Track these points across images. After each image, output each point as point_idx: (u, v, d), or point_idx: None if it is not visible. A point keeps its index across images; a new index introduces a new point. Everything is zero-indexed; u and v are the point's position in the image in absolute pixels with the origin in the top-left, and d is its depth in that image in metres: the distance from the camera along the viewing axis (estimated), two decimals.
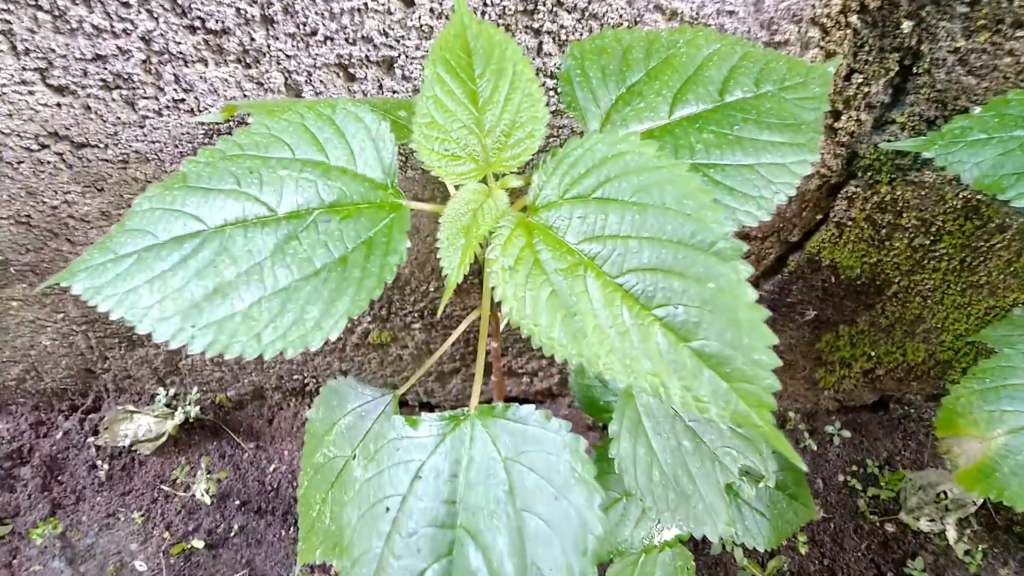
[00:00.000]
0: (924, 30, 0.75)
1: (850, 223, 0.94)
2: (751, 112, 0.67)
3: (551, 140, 0.84)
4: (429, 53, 0.58)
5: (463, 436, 0.55)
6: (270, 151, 0.59)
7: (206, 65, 0.76)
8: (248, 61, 0.76)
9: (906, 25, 0.74)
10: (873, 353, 1.14)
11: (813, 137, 0.67)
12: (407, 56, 0.76)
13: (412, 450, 0.55)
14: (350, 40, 0.74)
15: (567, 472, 0.51)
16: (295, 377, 1.15)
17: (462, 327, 0.77)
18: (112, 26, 0.73)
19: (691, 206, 0.52)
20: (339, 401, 0.79)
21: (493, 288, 0.53)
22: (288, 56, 0.76)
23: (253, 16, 0.73)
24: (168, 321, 0.54)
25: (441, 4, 0.72)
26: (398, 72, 0.77)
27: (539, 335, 0.51)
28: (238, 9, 0.72)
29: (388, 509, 0.54)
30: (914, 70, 0.79)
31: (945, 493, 1.21)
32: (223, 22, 0.73)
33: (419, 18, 0.73)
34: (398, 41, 0.75)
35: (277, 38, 0.74)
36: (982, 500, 1.23)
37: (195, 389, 1.14)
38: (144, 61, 0.76)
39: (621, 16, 0.73)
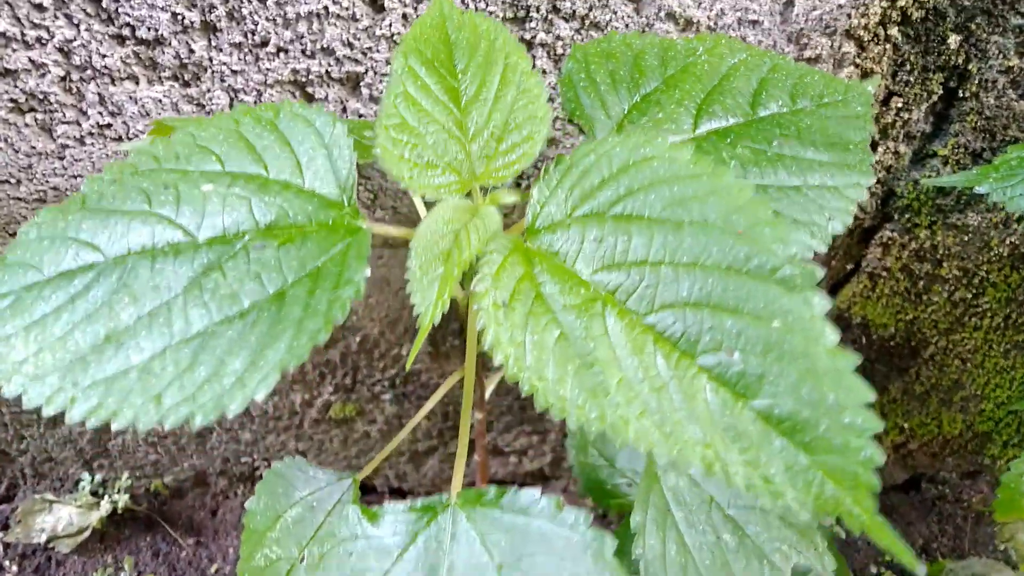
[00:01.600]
0: (973, 46, 0.65)
1: (884, 274, 0.83)
2: (789, 128, 0.56)
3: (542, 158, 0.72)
4: (399, 45, 0.46)
5: (441, 534, 0.40)
6: (193, 163, 0.46)
7: (136, 83, 0.64)
8: (186, 78, 0.64)
9: (953, 40, 0.64)
10: (906, 425, 1.01)
11: (864, 159, 0.56)
12: (375, 72, 0.64)
13: (370, 556, 0.40)
14: (308, 52, 0.63)
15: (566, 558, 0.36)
16: (243, 460, 0.99)
17: (439, 394, 0.63)
18: (23, 34, 0.61)
19: (742, 222, 0.40)
20: (285, 488, 0.64)
21: (481, 333, 0.39)
22: (234, 71, 0.64)
23: (192, 23, 0.61)
24: (43, 381, 0.40)
25: (416, 9, 0.61)
26: (365, 92, 0.66)
27: (545, 393, 0.38)
28: (174, 15, 0.60)
29: None
30: (960, 93, 0.69)
31: None
32: (156, 30, 0.61)
33: (389, 26, 0.62)
34: (365, 54, 0.63)
35: (221, 49, 0.63)
36: None
37: (126, 474, 0.98)
38: (63, 78, 0.63)
39: (627, 25, 0.63)
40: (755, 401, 0.37)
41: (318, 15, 0.61)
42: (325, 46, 0.63)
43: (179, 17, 0.61)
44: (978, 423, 1.01)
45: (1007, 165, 0.67)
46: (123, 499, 0.96)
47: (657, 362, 0.38)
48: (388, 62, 0.64)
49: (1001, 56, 0.66)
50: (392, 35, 0.62)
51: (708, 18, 0.63)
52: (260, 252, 0.42)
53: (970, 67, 0.67)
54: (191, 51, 0.62)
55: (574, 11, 0.62)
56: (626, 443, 0.37)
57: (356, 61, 0.64)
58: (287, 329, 0.39)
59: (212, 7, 0.60)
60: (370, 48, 0.63)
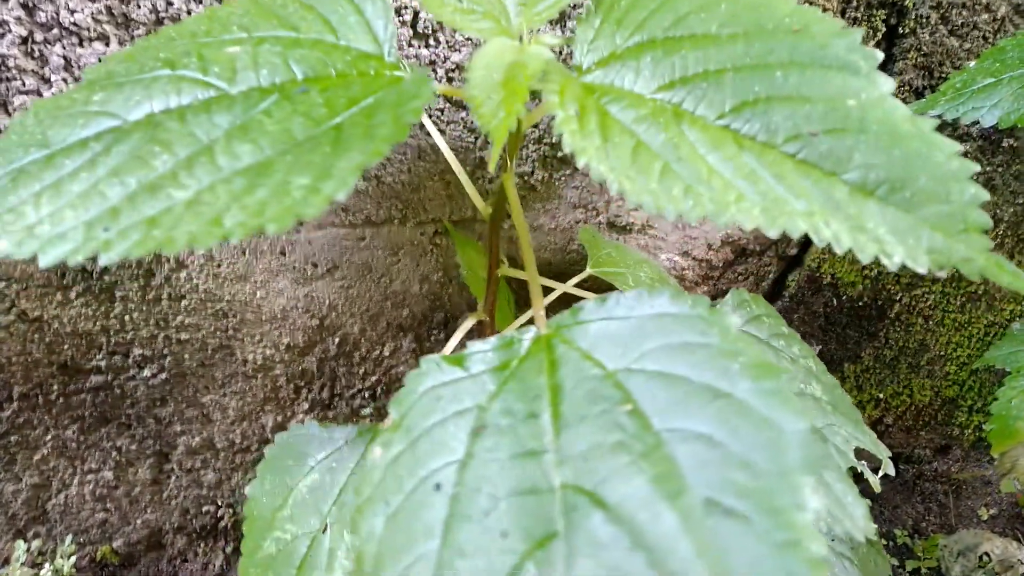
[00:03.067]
0: None
1: None
2: None
3: None
4: None
5: (537, 363, 0.36)
6: (215, 35, 0.43)
7: (107, 44, 0.61)
8: None
9: None
10: (881, 396, 1.02)
11: None
12: None
13: (463, 396, 0.36)
14: None
15: (721, 359, 0.33)
16: (205, 509, 0.88)
17: (460, 332, 0.59)
18: None
19: (798, 22, 0.41)
20: (297, 458, 0.57)
21: (560, 138, 0.37)
22: None
23: None
24: (64, 237, 0.35)
25: None
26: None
27: (636, 190, 0.36)
28: None
29: (439, 486, 0.33)
30: (900, 30, 0.75)
31: (987, 555, 1.06)
32: None
33: None
34: None
35: (201, 1, 0.61)
36: None
37: (69, 539, 0.85)
38: (24, 40, 0.59)
39: None
40: (846, 175, 0.36)
41: None
42: None
43: None
44: (944, 388, 1.04)
45: (953, 88, 0.73)
46: (66, 566, 0.83)
47: (744, 157, 0.37)
48: None
49: None
50: None
51: None
52: (305, 96, 0.39)
53: (906, 3, 0.73)
54: (168, 3, 0.60)
55: None
56: (729, 224, 0.35)
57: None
58: (355, 141, 0.35)
59: None
60: None
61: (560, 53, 0.61)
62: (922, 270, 0.35)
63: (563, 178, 0.75)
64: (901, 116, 0.38)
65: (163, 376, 0.77)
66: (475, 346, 0.38)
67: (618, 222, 0.79)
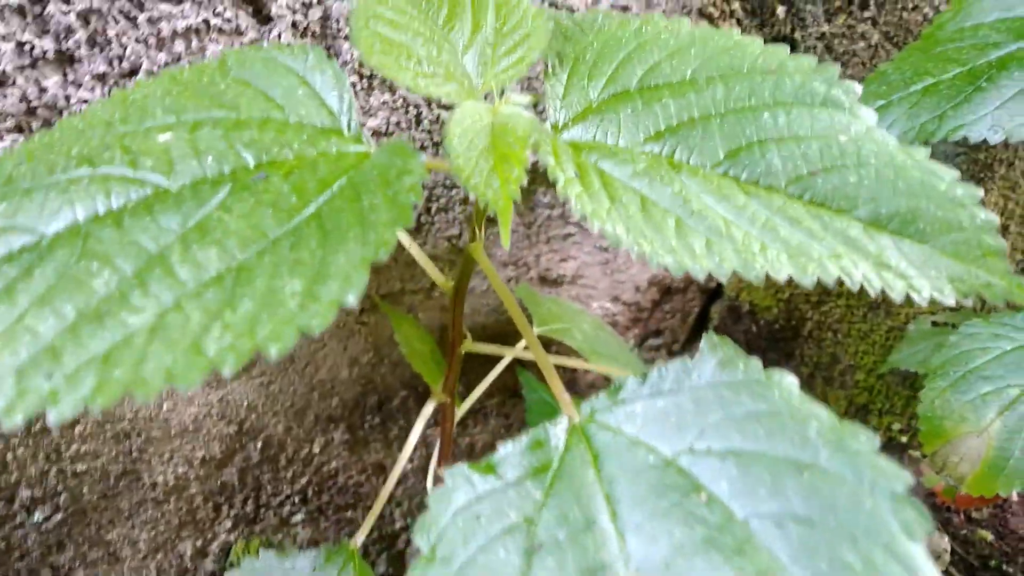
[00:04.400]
0: (795, 15, 0.75)
1: None
2: None
3: None
4: None
5: (579, 458, 0.32)
6: (133, 123, 0.36)
7: None
8: (36, 126, 0.53)
9: (780, 10, 0.74)
10: None
11: None
12: None
13: (506, 510, 0.31)
14: None
15: (794, 426, 0.30)
16: None
17: (419, 425, 0.54)
18: None
19: (772, 62, 0.40)
20: None
21: (567, 201, 0.34)
22: None
23: (44, 53, 0.51)
24: None
25: (306, 15, 0.57)
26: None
27: (656, 251, 0.33)
28: (19, 45, 0.51)
29: None
30: None
31: None
32: None
33: (278, 37, 0.57)
34: None
35: (80, 84, 0.53)
36: (950, 548, 1.13)
37: None
38: None
39: None
40: (857, 211, 0.35)
41: (197, 31, 0.54)
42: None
43: (26, 48, 0.51)
44: (856, 396, 1.08)
45: None
46: None
47: (750, 202, 0.36)
48: None
49: (816, 23, 0.76)
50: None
51: (585, 5, 0.66)
52: (266, 184, 0.34)
53: (795, 35, 0.76)
54: (42, 90, 0.52)
55: None
56: (760, 277, 0.33)
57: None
58: (349, 231, 0.30)
59: (70, 31, 0.51)
60: None
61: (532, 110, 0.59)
62: (950, 301, 0.34)
63: (491, 236, 0.72)
64: (894, 148, 0.37)
65: (58, 517, 0.66)
66: (503, 449, 0.33)
67: (549, 275, 0.77)
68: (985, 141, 0.68)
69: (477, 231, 0.45)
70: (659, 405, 0.33)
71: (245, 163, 0.35)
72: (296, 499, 0.76)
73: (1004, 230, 1.04)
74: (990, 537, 1.15)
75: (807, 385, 1.03)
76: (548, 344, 0.76)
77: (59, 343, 0.29)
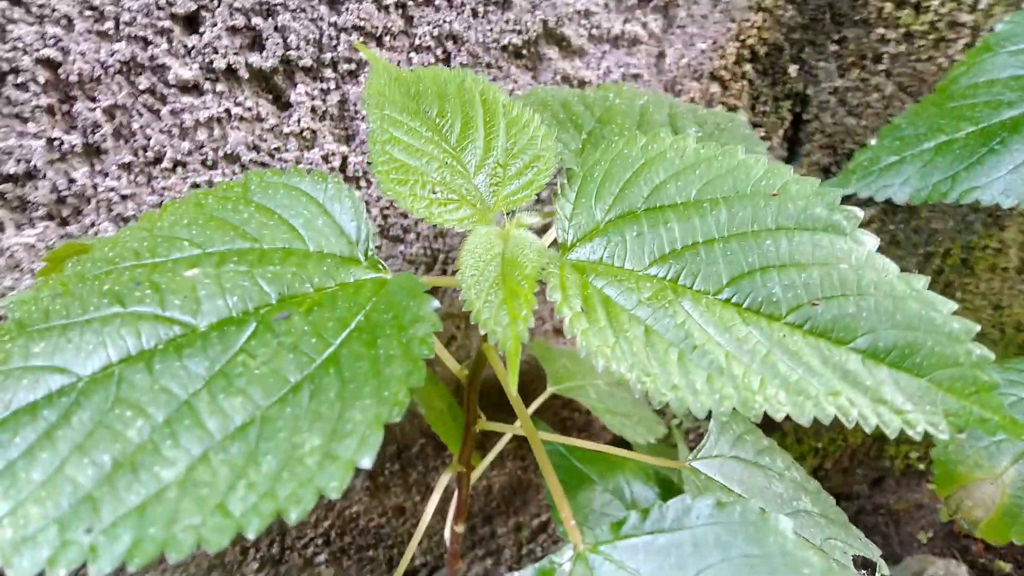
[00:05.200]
0: (807, 72, 0.75)
1: None
2: None
3: None
4: (367, 100, 0.44)
5: None
6: (161, 254, 0.39)
7: (2, 230, 0.54)
8: (65, 215, 0.55)
9: (792, 69, 0.74)
10: (819, 445, 1.06)
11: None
12: None
13: None
14: (209, 162, 0.57)
15: (787, 572, 0.32)
16: None
17: (441, 485, 0.56)
18: None
19: (772, 184, 0.41)
20: None
21: (572, 338, 0.36)
22: (123, 197, 0.56)
23: (72, 147, 0.54)
24: (34, 541, 0.30)
25: (324, 101, 0.59)
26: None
27: (658, 387, 0.35)
28: (50, 141, 0.53)
29: None
30: (804, 116, 0.78)
31: None
32: (27, 161, 0.53)
33: (298, 122, 0.59)
34: (272, 155, 0.59)
35: (107, 174, 0.55)
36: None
37: None
38: None
39: (526, 91, 0.65)
40: (856, 342, 0.37)
41: (219, 120, 0.56)
42: (229, 152, 0.58)
43: (56, 144, 0.53)
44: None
45: (861, 167, 0.76)
46: None
47: (751, 333, 0.37)
48: (299, 161, 0.60)
49: (828, 79, 0.76)
50: (301, 131, 0.59)
51: (597, 77, 0.67)
52: (286, 322, 0.36)
53: (808, 92, 0.77)
54: (71, 181, 0.54)
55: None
56: (759, 415, 0.35)
57: (263, 165, 0.59)
58: (365, 383, 0.32)
59: (96, 126, 0.53)
60: (278, 148, 0.59)
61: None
62: (943, 436, 0.36)
63: None
64: (894, 276, 0.38)
65: None
66: None
67: (563, 327, 0.78)
68: (998, 205, 0.68)
69: None
70: (660, 542, 0.34)
71: (268, 299, 0.37)
72: (319, 541, 0.79)
73: (1023, 265, 1.04)
74: (1008, 568, 1.16)
75: None
76: (564, 400, 0.77)
77: (97, 494, 0.31)
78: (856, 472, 1.13)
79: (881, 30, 0.76)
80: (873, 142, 0.78)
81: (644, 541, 0.34)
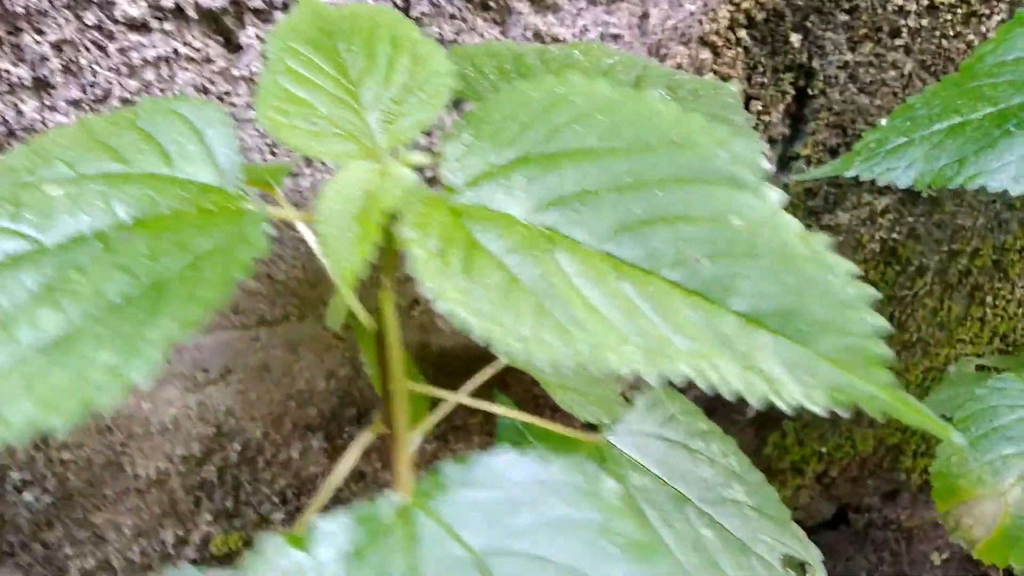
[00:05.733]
0: (812, 43, 0.70)
1: None
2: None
3: None
4: (272, 32, 0.42)
5: (394, 543, 0.32)
6: (36, 175, 0.38)
7: None
8: (15, 146, 0.56)
9: (794, 38, 0.69)
10: (824, 450, 1.00)
11: (751, 131, 0.57)
12: (235, 118, 0.59)
13: None
14: None
15: (599, 538, 0.29)
16: None
17: (356, 449, 0.55)
18: None
19: (680, 134, 0.37)
20: None
21: (415, 279, 0.33)
22: None
23: (21, 80, 0.54)
24: None
25: None
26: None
27: (505, 337, 0.32)
28: None
29: None
30: (809, 91, 0.73)
31: None
32: None
33: (247, 66, 0.58)
34: (222, 99, 0.58)
35: (56, 108, 0.55)
36: None
37: None
38: None
39: None
40: (735, 303, 0.33)
41: (167, 60, 0.56)
42: (177, 93, 0.57)
43: (4, 74, 0.53)
44: (887, 436, 1.02)
45: (867, 148, 0.71)
46: None
47: (624, 288, 0.34)
48: (249, 106, 0.59)
49: (837, 52, 0.71)
50: (251, 75, 0.58)
51: (573, 35, 0.64)
52: (127, 244, 0.35)
53: (813, 64, 0.71)
54: (19, 113, 0.55)
55: (442, 36, 0.61)
56: (607, 370, 0.32)
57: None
58: (173, 303, 0.31)
59: (44, 59, 0.54)
60: (228, 92, 0.58)
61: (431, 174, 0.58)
62: (819, 410, 0.32)
63: None
64: (793, 235, 0.34)
65: (47, 499, 0.70)
66: (325, 524, 0.33)
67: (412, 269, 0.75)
68: (1006, 192, 0.62)
69: (386, 280, 0.44)
70: (482, 497, 0.32)
71: (122, 221, 0.36)
72: (275, 499, 0.79)
73: None
74: None
75: (830, 422, 0.98)
76: (518, 373, 0.75)
77: None
78: (867, 483, 1.06)
79: (900, 1, 0.71)
80: (884, 122, 0.72)
81: (465, 495, 0.32)
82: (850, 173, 0.70)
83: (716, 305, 0.33)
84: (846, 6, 0.69)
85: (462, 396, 0.60)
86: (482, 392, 0.63)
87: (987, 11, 0.74)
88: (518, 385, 0.81)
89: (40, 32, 0.53)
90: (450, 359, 0.78)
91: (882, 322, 0.32)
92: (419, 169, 0.40)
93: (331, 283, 0.67)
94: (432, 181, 0.50)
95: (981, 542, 0.77)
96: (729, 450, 0.54)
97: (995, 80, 0.68)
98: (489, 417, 0.81)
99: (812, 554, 0.52)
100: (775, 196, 0.35)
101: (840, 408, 0.31)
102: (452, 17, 0.61)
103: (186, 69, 0.57)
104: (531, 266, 0.34)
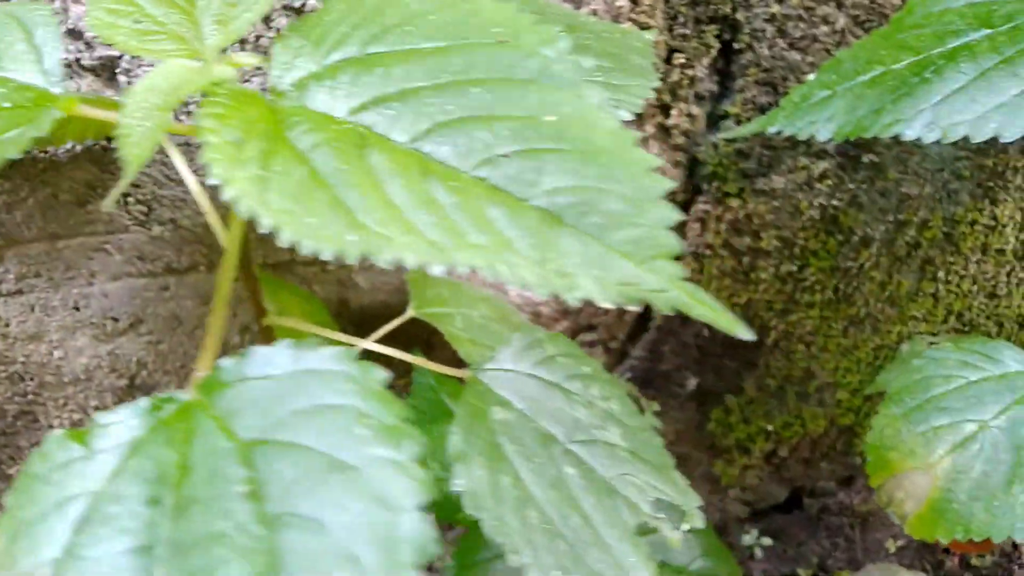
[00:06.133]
0: None
1: (708, 252, 0.82)
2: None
3: None
4: None
5: (170, 435, 0.31)
6: None
7: None
8: None
9: None
10: (771, 428, 0.97)
11: (649, 70, 0.55)
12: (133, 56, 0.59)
13: (74, 480, 0.30)
14: None
15: (355, 424, 0.27)
16: None
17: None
18: None
19: (504, 32, 0.36)
20: None
21: (206, 168, 0.32)
22: None
23: None
24: None
25: None
26: (123, 81, 0.59)
27: (292, 225, 0.31)
28: None
29: None
30: (735, 45, 0.71)
31: None
32: None
33: None
34: None
35: None
36: None
37: None
38: None
39: None
40: (535, 199, 0.32)
41: None
42: (72, 28, 0.57)
43: None
44: (839, 416, 1.00)
45: (792, 103, 0.69)
46: None
47: (429, 186, 0.33)
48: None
49: (763, 3, 0.69)
50: None
51: None
52: None
53: (738, 16, 0.70)
54: None
55: None
56: (392, 261, 0.30)
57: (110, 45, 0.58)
58: None
59: None
60: None
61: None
62: (608, 304, 0.30)
63: None
64: (603, 131, 0.33)
65: None
66: (106, 418, 0.32)
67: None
68: (939, 142, 0.60)
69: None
70: (255, 390, 0.31)
71: None
72: None
73: None
74: None
75: (776, 399, 0.95)
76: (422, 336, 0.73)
77: None
78: (821, 466, 1.03)
79: None
80: (811, 77, 0.70)
81: (240, 388, 0.31)
82: (773, 129, 0.69)
83: (518, 201, 0.32)
84: None
85: (367, 343, 0.59)
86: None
87: None
88: (445, 349, 0.80)
89: None
90: (369, 317, 0.77)
91: (671, 212, 0.30)
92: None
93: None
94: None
95: (912, 516, 0.75)
96: (612, 394, 0.52)
97: (921, 32, 0.66)
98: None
99: (691, 502, 0.50)
100: (594, 94, 0.34)
101: (630, 303, 0.30)
102: None
103: (79, 3, 0.56)
104: (336, 162, 0.33)
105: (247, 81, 0.56)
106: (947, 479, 0.72)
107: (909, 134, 0.60)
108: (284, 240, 0.31)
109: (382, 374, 0.29)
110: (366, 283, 0.75)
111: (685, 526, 0.49)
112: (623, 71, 0.53)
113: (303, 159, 0.34)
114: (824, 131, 0.65)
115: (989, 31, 0.62)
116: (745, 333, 0.29)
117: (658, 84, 0.54)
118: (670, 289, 0.29)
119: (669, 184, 0.31)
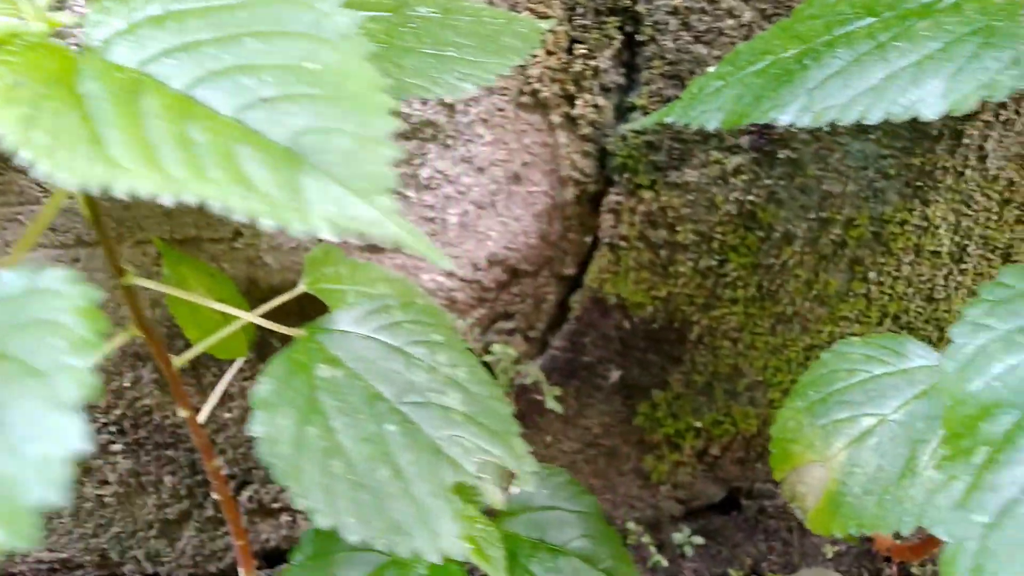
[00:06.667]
0: None
1: (624, 244, 0.82)
2: (437, 23, 0.56)
3: None
4: None
5: None
6: None
7: None
8: None
9: None
10: (700, 425, 0.97)
11: (514, 54, 0.56)
12: None
13: None
14: None
15: (56, 339, 0.29)
16: None
17: None
18: None
19: None
20: None
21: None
22: None
23: None
24: None
25: None
26: None
27: (42, 156, 0.33)
28: None
29: None
30: (637, 37, 0.72)
31: None
32: None
33: None
34: None
35: None
36: None
37: None
38: None
39: None
40: (281, 138, 0.33)
41: None
42: None
43: None
44: (770, 416, 0.99)
45: (690, 94, 0.69)
46: None
47: (187, 127, 0.34)
48: None
49: None
50: None
51: None
52: None
53: (639, 8, 0.71)
54: None
55: None
56: (127, 191, 0.32)
57: None
58: None
59: None
60: None
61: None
62: (331, 237, 0.31)
63: None
64: (356, 78, 0.35)
65: None
66: None
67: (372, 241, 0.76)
68: (829, 127, 0.60)
69: None
70: None
71: None
72: (113, 428, 0.80)
73: (962, 252, 0.91)
74: None
75: (704, 395, 0.95)
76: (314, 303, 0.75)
77: None
78: (756, 466, 1.02)
79: None
80: (711, 69, 0.71)
81: None
82: (670, 119, 0.69)
83: (266, 141, 0.34)
84: None
85: (253, 316, 0.61)
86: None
87: None
88: None
89: None
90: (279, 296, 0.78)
91: (391, 150, 0.31)
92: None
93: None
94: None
95: (811, 511, 0.74)
96: (462, 363, 0.53)
97: (814, 23, 0.66)
98: None
99: (525, 467, 0.50)
100: (349, 47, 0.36)
101: (357, 238, 0.31)
102: None
103: None
104: (108, 105, 0.35)
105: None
106: (843, 472, 0.72)
107: (783, 119, 0.60)
108: (38, 173, 0.33)
109: (94, 294, 0.31)
110: (275, 262, 0.77)
111: (515, 489, 0.49)
112: (483, 50, 0.55)
113: (78, 103, 0.35)
114: (713, 120, 0.66)
115: (873, 19, 0.63)
116: (447, 264, 0.30)
117: (520, 63, 0.56)
118: (384, 221, 0.31)
119: (396, 123, 0.32)
